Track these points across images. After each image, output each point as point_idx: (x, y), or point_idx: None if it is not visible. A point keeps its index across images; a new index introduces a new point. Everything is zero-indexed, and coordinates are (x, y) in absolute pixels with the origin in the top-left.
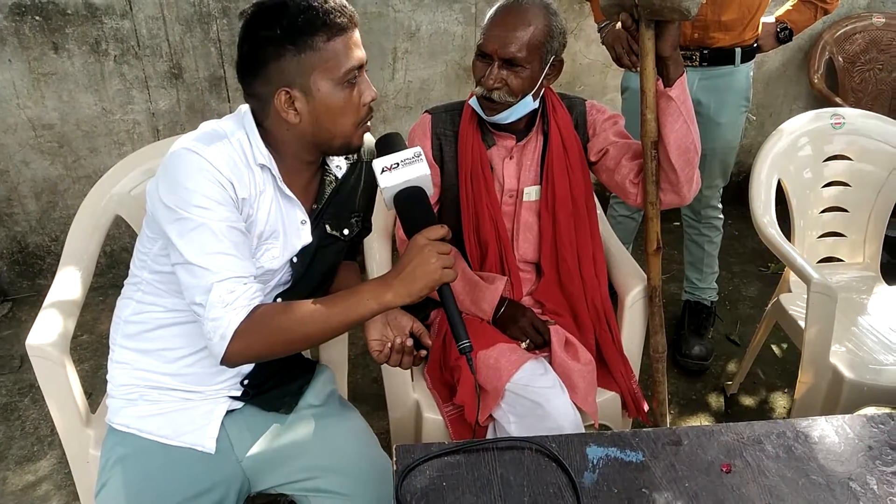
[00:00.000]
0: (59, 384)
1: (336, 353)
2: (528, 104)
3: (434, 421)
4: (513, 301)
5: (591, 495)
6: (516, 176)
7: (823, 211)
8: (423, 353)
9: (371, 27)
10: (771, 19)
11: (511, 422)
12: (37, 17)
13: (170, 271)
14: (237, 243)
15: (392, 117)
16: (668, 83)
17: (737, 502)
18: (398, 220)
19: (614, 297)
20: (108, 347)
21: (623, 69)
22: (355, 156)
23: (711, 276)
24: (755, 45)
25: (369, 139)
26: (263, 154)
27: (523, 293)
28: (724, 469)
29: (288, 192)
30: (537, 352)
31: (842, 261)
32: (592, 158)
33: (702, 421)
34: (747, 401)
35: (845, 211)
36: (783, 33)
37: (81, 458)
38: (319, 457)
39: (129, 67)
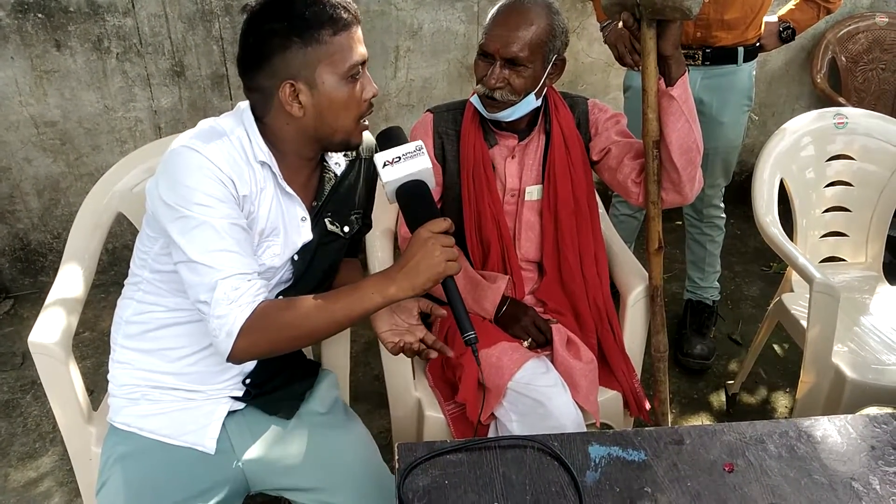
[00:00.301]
0: (61, 381)
1: (338, 353)
2: (531, 103)
3: (436, 419)
4: (515, 300)
5: (593, 494)
6: (518, 175)
7: (826, 210)
8: (434, 354)
9: (373, 25)
10: (773, 18)
11: (513, 420)
12: (39, 15)
13: (171, 270)
14: (240, 240)
15: (394, 116)
16: (670, 82)
17: (739, 502)
18: (401, 216)
19: (616, 296)
20: (110, 345)
21: (625, 68)
22: (354, 153)
23: (713, 275)
24: (758, 44)
25: (368, 137)
26: (263, 151)
27: (525, 292)
28: (727, 468)
29: (288, 189)
30: (539, 351)
31: (844, 260)
32: (594, 157)
33: (703, 420)
34: (749, 400)
35: (848, 211)
36: (786, 32)
37: (83, 455)
38: (321, 469)
39: (131, 65)
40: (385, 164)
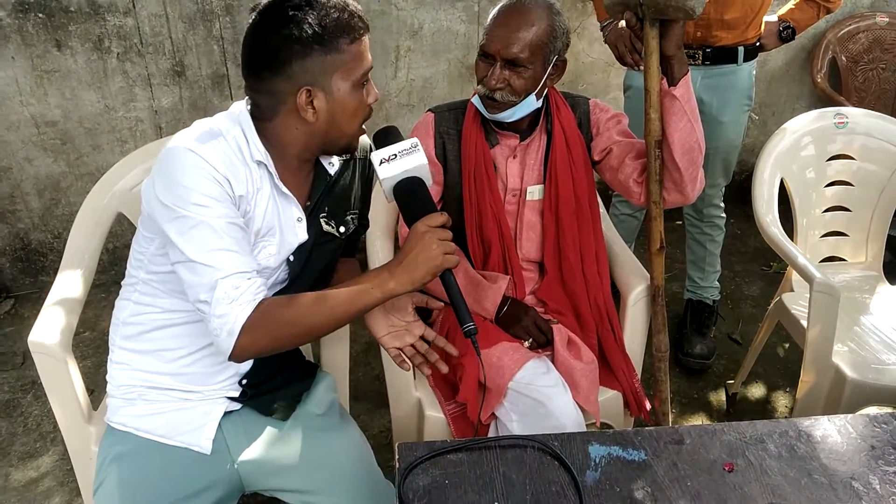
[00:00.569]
0: (62, 381)
1: (337, 354)
2: (531, 103)
3: (436, 419)
4: (515, 300)
5: (593, 494)
6: (520, 175)
7: (826, 210)
8: (434, 356)
9: (374, 25)
10: (773, 18)
11: (513, 420)
12: (40, 15)
13: (167, 271)
14: (238, 239)
15: (394, 116)
16: (673, 82)
17: (739, 501)
18: (400, 214)
19: (616, 295)
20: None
21: (626, 68)
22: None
23: (713, 274)
24: (758, 43)
25: (363, 137)
26: (260, 151)
27: (526, 292)
28: (727, 468)
29: (284, 189)
30: (540, 351)
31: (844, 260)
32: (596, 157)
33: (703, 420)
34: (749, 400)
35: (848, 210)
36: (786, 32)
37: (83, 455)
38: (315, 472)
39: (131, 65)
40: (381, 162)
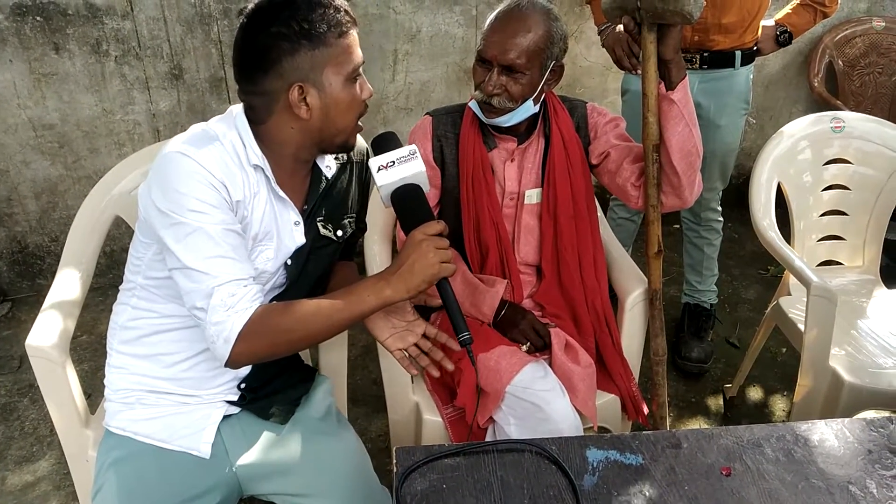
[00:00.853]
0: (59, 385)
1: (336, 358)
2: (529, 109)
3: (434, 423)
4: (513, 304)
5: (590, 498)
6: (517, 178)
7: (823, 214)
8: (451, 366)
9: (372, 28)
10: (770, 22)
11: (511, 424)
12: (38, 18)
13: (164, 277)
14: (235, 246)
15: (392, 119)
16: (671, 86)
17: None
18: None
19: (614, 299)
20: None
21: (623, 72)
22: (345, 156)
23: (711, 278)
24: (755, 48)
25: (360, 140)
26: (257, 155)
27: (524, 296)
28: (724, 472)
29: (281, 193)
30: (538, 354)
31: (841, 264)
32: (594, 161)
33: (701, 424)
34: (747, 404)
35: (845, 214)
36: (783, 36)
37: (80, 459)
38: (312, 476)
39: (129, 68)
40: (379, 169)
